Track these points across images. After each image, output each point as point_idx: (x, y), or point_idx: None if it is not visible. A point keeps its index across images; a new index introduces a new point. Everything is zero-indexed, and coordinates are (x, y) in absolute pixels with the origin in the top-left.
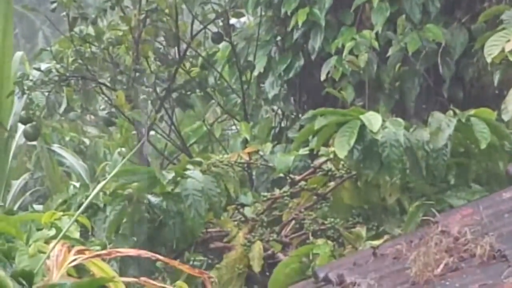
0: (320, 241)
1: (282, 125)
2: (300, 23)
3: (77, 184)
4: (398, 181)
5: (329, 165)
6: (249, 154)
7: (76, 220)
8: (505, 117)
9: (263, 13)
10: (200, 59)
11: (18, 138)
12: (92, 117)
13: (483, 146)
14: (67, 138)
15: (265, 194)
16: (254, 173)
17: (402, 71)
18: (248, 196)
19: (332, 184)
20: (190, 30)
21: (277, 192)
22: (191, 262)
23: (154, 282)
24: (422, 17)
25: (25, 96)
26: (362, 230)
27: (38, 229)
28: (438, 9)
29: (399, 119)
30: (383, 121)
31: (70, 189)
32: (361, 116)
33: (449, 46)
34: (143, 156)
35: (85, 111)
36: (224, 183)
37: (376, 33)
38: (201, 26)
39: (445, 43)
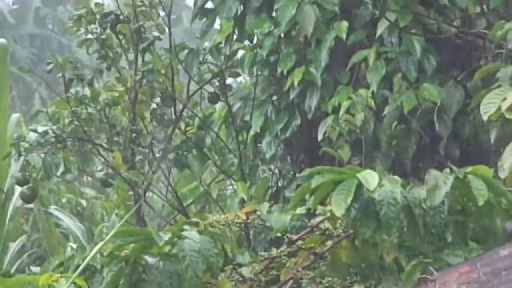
0: None
1: (279, 184)
2: (296, 82)
3: (74, 246)
4: (395, 239)
5: (326, 224)
6: (247, 214)
7: (73, 282)
8: (502, 175)
9: (259, 73)
10: (197, 119)
11: (15, 200)
12: (89, 178)
13: (480, 203)
14: (64, 200)
15: (263, 253)
16: (251, 232)
17: (399, 129)
18: (245, 256)
19: (329, 243)
20: (187, 90)
21: (274, 251)
22: None
23: None
24: (418, 76)
25: (21, 158)
26: None
27: None
28: (434, 67)
29: (396, 177)
30: (380, 179)
31: (67, 251)
32: (358, 175)
33: (445, 104)
34: (140, 217)
35: (82, 172)
36: (221, 243)
37: (372, 92)
38: (197, 86)
39: (441, 101)
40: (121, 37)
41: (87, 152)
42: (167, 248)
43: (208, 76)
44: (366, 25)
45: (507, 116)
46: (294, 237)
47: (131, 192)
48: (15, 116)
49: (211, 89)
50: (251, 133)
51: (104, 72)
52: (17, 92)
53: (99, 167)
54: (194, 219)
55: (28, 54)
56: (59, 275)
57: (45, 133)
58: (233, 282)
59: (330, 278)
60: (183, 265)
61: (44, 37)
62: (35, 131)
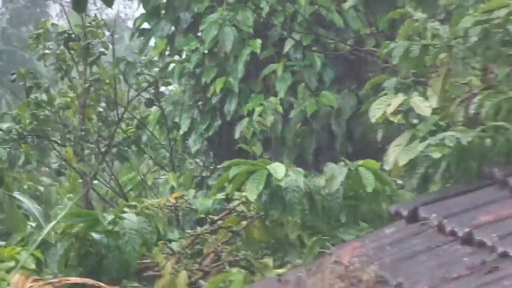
0: (234, 270)
1: (203, 174)
2: (217, 90)
3: (34, 225)
4: (298, 220)
5: (242, 207)
6: (176, 198)
7: (32, 254)
8: (387, 167)
9: (187, 82)
10: (135, 120)
11: None
12: (46, 168)
13: (369, 190)
14: (25, 186)
15: (189, 231)
16: (180, 214)
17: (302, 129)
18: (174, 233)
19: (244, 222)
20: (127, 97)
21: (199, 229)
22: None
23: None
24: (318, 85)
25: None
26: (269, 261)
27: (1, 261)
28: (331, 78)
29: (300, 169)
30: (286, 170)
31: (28, 229)
32: (268, 166)
33: (340, 109)
34: (88, 201)
35: (40, 164)
36: (155, 223)
37: (280, 99)
38: (136, 93)
39: (338, 106)
40: (72, 52)
41: (44, 147)
42: (110, 227)
43: (145, 85)
44: (275, 43)
45: (391, 118)
46: (215, 218)
47: (80, 180)
48: None
49: (147, 96)
50: (180, 132)
51: (58, 81)
52: None
53: (54, 160)
54: (133, 203)
55: None
56: (20, 248)
57: (9, 131)
58: (165, 255)
59: (244, 252)
60: (123, 240)
61: (10, 52)
62: (1, 129)
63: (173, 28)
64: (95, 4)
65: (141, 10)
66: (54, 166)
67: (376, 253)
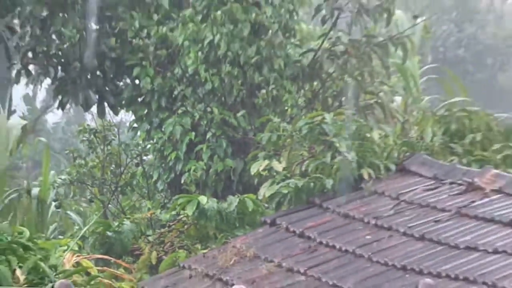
0: (181, 251)
1: (165, 201)
2: (172, 158)
3: (77, 227)
4: (214, 225)
5: (185, 218)
6: (151, 214)
7: (76, 243)
8: (259, 198)
9: (156, 154)
10: (130, 174)
11: (52, 207)
12: (83, 198)
13: (250, 209)
14: (73, 208)
15: (158, 230)
16: (153, 222)
17: (216, 178)
18: (150, 232)
19: (186, 226)
20: (125, 161)
21: (162, 230)
22: (126, 260)
23: (111, 270)
24: (224, 156)
25: (55, 190)
26: (199, 246)
27: (60, 246)
28: (231, 152)
29: (214, 199)
30: (207, 199)
31: (74, 229)
32: (198, 198)
33: (235, 167)
34: (106, 216)
35: (80, 196)
36: (140, 226)
37: (205, 163)
38: (130, 160)
39: (234, 166)
40: (97, 139)
41: (82, 188)
42: (116, 228)
43: (135, 155)
44: (202, 134)
45: (262, 173)
46: (171, 223)
47: (101, 205)
48: (51, 172)
49: (136, 161)
50: (153, 179)
51: (90, 153)
52: (54, 162)
53: (88, 194)
54: (128, 216)
55: (58, 146)
56: (70, 239)
57: (65, 180)
58: (145, 243)
59: (186, 242)
60: (123, 235)
61: (66, 140)
62: (61, 178)
63: (149, 126)
64: (109, 114)
65: (133, 117)
66: (88, 197)
67: (253, 242)
